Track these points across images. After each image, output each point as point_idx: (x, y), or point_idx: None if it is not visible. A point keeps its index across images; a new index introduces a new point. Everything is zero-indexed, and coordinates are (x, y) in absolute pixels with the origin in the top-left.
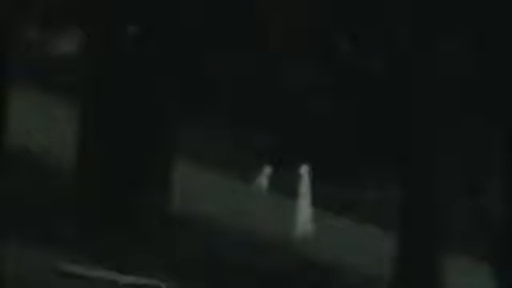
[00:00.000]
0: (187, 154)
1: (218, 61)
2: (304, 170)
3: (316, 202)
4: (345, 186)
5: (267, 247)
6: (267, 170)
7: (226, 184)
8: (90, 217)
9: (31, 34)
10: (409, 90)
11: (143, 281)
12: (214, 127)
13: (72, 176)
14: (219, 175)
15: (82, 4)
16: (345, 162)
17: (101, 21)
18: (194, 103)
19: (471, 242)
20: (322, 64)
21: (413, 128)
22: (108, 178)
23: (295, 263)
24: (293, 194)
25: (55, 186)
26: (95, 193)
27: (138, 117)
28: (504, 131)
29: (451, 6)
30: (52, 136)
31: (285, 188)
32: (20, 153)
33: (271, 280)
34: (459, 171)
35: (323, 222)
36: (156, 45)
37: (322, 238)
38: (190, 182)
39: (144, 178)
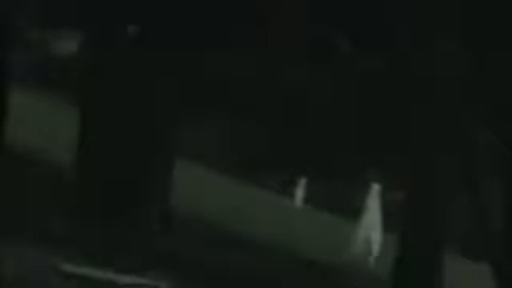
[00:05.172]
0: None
1: (227, 61)
2: (375, 189)
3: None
4: (345, 185)
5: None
6: (302, 182)
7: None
8: (90, 217)
9: (31, 34)
10: (409, 89)
11: (143, 281)
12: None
13: (72, 176)
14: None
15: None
16: (345, 161)
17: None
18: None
19: (470, 241)
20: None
21: (413, 127)
22: (108, 178)
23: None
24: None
25: (55, 185)
26: (95, 193)
27: (138, 116)
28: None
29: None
30: (52, 136)
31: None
32: (20, 153)
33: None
34: (459, 171)
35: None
36: (156, 45)
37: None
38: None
39: (144, 178)
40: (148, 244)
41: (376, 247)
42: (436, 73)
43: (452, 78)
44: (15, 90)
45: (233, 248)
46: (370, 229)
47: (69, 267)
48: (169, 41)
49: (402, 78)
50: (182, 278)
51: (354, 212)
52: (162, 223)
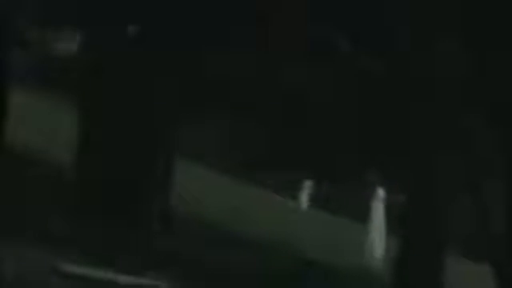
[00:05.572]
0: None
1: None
2: (380, 193)
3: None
4: (345, 186)
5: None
6: (307, 185)
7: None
8: (90, 217)
9: (31, 34)
10: (409, 89)
11: (143, 281)
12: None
13: (72, 176)
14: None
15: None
16: (345, 162)
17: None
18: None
19: (471, 242)
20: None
21: (413, 128)
22: (108, 178)
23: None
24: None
25: (55, 185)
26: (95, 193)
27: (138, 116)
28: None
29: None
30: (52, 136)
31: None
32: (20, 153)
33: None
34: (460, 172)
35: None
36: (156, 45)
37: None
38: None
39: (144, 178)
40: (148, 244)
41: (380, 249)
42: (436, 73)
43: (452, 78)
44: (15, 89)
45: (233, 248)
46: (376, 231)
47: (69, 267)
48: (169, 41)
49: (401, 78)
50: (182, 277)
51: (352, 212)
52: (162, 223)
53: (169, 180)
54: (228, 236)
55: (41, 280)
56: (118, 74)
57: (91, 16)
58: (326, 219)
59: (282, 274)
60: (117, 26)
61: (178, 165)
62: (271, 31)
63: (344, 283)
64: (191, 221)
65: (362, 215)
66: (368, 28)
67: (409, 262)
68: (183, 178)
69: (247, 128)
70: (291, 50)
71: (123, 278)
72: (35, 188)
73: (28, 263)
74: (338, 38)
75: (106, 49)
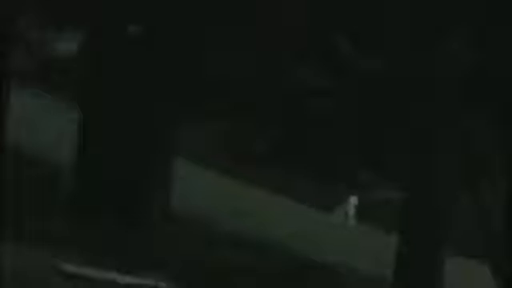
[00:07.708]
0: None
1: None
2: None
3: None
4: (346, 186)
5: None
6: (353, 199)
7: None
8: (90, 216)
9: (31, 34)
10: (409, 89)
11: (142, 281)
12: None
13: (72, 176)
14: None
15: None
16: (346, 162)
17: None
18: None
19: (472, 242)
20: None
21: (413, 128)
22: (108, 178)
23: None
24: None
25: (55, 185)
26: (95, 193)
27: (138, 116)
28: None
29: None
30: (52, 136)
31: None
32: (19, 152)
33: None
34: (459, 171)
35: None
36: (156, 45)
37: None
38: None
39: (144, 178)
40: (148, 244)
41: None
42: (436, 73)
43: (452, 78)
44: (15, 90)
45: (233, 248)
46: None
47: (69, 267)
48: (169, 41)
49: (402, 78)
50: (182, 277)
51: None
52: (162, 223)
53: (169, 180)
54: (228, 236)
55: (41, 280)
56: (117, 74)
57: (91, 16)
58: (324, 218)
59: (281, 275)
60: (117, 26)
61: (177, 165)
62: (271, 31)
63: (348, 285)
64: (191, 221)
65: (362, 215)
66: (368, 28)
67: (408, 261)
68: (183, 177)
69: (247, 128)
70: (291, 49)
71: (123, 278)
72: (35, 188)
73: (28, 263)
74: (338, 38)
75: (106, 49)
